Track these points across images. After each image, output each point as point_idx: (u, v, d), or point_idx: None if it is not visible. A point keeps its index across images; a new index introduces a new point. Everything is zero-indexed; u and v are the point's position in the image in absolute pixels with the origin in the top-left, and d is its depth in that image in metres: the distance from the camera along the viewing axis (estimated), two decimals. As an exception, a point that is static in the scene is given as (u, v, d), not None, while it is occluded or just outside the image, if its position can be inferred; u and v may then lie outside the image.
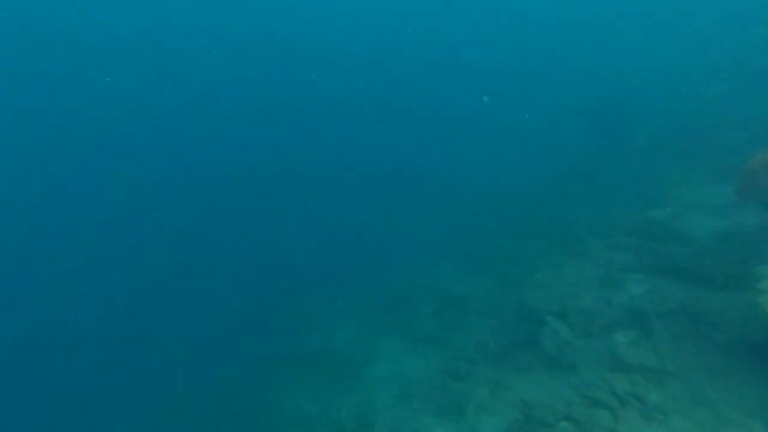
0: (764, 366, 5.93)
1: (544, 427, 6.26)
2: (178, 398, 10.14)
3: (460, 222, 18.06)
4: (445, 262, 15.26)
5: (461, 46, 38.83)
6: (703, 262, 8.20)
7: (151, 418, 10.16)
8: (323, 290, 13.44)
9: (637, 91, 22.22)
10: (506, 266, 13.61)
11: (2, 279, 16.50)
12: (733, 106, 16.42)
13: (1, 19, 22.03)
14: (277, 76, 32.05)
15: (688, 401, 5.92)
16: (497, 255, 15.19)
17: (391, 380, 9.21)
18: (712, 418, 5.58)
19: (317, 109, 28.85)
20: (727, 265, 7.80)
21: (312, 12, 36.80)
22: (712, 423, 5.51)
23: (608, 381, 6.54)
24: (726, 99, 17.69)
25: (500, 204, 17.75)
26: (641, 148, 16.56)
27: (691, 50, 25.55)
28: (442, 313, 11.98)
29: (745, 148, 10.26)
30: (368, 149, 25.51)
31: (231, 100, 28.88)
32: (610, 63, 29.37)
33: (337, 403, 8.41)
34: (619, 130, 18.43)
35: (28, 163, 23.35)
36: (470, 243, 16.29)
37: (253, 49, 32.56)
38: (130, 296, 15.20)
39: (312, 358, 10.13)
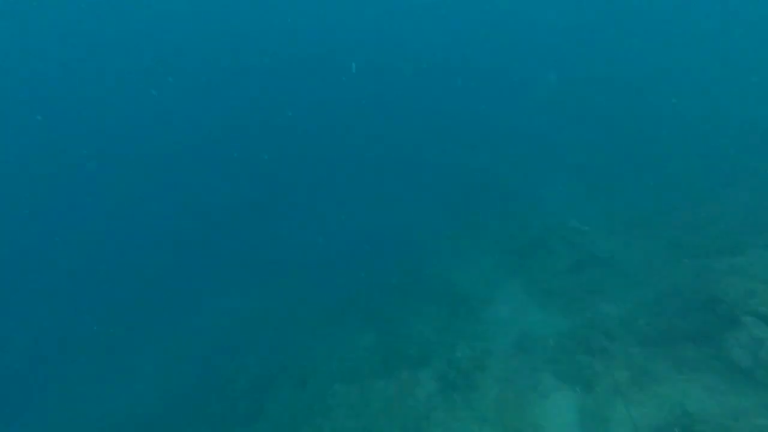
0: None
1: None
2: (324, 300, 11.51)
3: (623, 164, 14.44)
4: (593, 211, 12.79)
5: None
6: None
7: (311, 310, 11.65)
8: (450, 222, 13.02)
9: None
10: (685, 231, 10.57)
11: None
12: None
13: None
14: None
15: None
16: (671, 214, 11.88)
17: (510, 327, 8.77)
18: None
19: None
20: None
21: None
22: None
23: (842, 432, 4.68)
24: None
25: (689, 143, 13.27)
26: None
27: None
28: (580, 271, 10.39)
29: None
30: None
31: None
32: None
33: (453, 335, 8.51)
34: None
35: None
36: (632, 192, 13.07)
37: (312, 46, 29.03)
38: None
39: (432, 286, 10.28)
